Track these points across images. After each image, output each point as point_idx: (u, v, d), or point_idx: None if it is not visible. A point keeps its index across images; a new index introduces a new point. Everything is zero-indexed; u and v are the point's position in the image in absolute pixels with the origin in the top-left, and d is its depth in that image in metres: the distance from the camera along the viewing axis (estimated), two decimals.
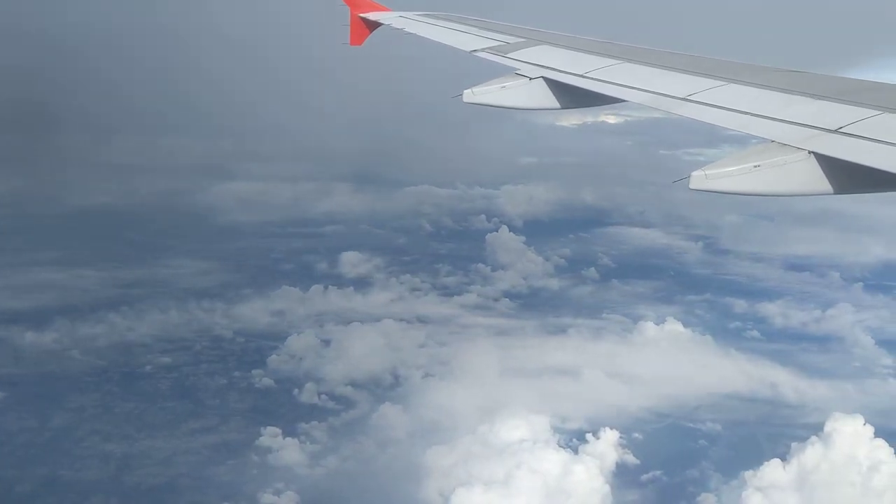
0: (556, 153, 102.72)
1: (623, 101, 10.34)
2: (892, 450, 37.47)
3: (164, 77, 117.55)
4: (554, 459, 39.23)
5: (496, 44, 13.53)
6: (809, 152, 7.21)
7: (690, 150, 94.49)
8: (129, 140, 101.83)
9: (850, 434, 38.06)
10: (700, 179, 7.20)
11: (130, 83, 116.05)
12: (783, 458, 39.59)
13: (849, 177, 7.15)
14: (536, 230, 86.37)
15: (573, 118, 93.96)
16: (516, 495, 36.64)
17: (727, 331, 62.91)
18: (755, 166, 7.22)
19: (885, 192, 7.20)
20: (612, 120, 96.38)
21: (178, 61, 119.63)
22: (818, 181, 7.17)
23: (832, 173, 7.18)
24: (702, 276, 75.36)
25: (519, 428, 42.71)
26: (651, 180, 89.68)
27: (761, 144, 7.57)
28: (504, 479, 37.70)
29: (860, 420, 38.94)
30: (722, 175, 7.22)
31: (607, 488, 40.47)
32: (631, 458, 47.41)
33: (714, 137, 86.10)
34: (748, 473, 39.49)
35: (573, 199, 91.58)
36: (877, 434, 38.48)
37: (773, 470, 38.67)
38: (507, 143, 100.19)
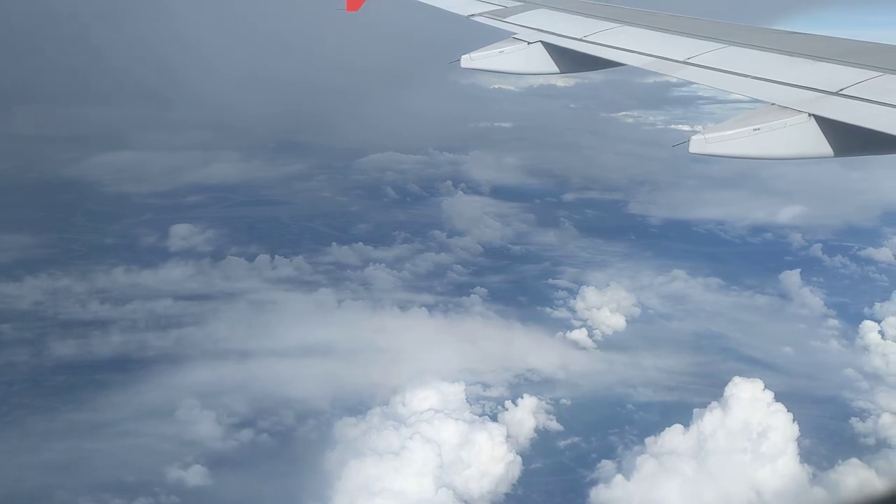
0: (500, 118, 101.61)
1: (622, 64, 10.22)
2: (790, 414, 37.05)
3: (80, 42, 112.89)
4: (453, 430, 38.94)
5: (494, 8, 13.38)
6: (810, 115, 7.07)
7: (632, 112, 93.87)
8: (34, 109, 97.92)
9: (748, 399, 37.63)
10: (700, 143, 7.11)
11: (42, 48, 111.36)
12: (685, 425, 39.21)
13: (849, 139, 7.06)
14: (500, 195, 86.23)
15: (521, 82, 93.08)
16: (408, 465, 36.42)
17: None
18: (755, 129, 7.07)
19: (886, 154, 7.06)
20: (560, 83, 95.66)
21: (97, 24, 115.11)
22: (818, 144, 7.08)
23: (832, 136, 7.07)
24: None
25: (429, 398, 42.41)
26: (590, 145, 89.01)
27: (762, 107, 7.43)
28: (398, 449, 37.46)
29: (759, 384, 38.49)
30: (721, 138, 7.09)
31: (512, 456, 40.13)
32: (554, 425, 47.15)
33: (658, 100, 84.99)
34: (649, 440, 39.15)
35: (531, 165, 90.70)
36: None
37: (673, 436, 38.30)
38: (454, 108, 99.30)
